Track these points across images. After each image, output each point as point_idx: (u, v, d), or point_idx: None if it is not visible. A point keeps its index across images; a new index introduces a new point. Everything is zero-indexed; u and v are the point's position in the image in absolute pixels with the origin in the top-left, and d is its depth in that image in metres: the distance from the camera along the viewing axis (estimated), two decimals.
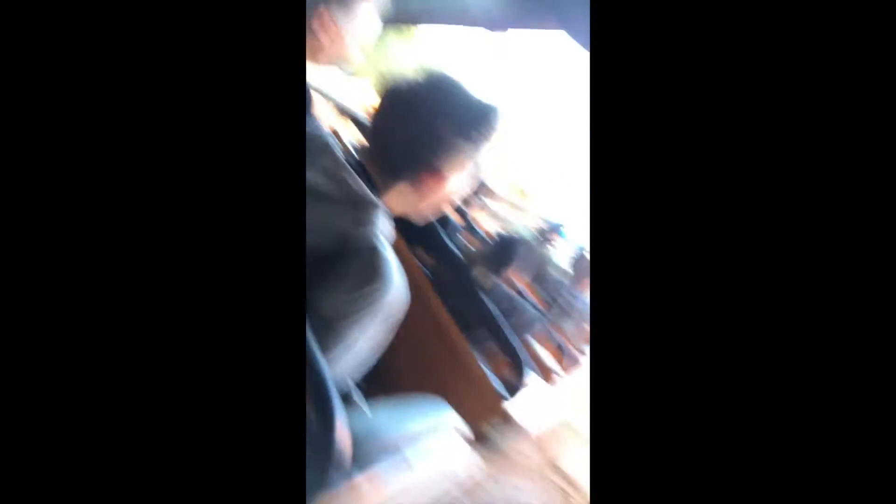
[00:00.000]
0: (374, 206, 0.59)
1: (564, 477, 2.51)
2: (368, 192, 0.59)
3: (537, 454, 2.54)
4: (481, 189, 1.87)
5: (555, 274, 2.14)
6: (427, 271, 1.25)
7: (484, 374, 1.03)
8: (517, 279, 1.54)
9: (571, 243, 2.63)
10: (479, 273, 1.39)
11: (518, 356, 1.10)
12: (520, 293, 1.60)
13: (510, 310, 1.38)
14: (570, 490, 2.48)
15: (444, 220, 1.55)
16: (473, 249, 1.60)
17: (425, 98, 0.62)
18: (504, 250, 1.45)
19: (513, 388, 1.03)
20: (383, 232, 0.60)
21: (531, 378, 1.10)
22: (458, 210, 1.72)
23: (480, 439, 1.13)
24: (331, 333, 0.55)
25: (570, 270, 2.16)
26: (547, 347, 1.49)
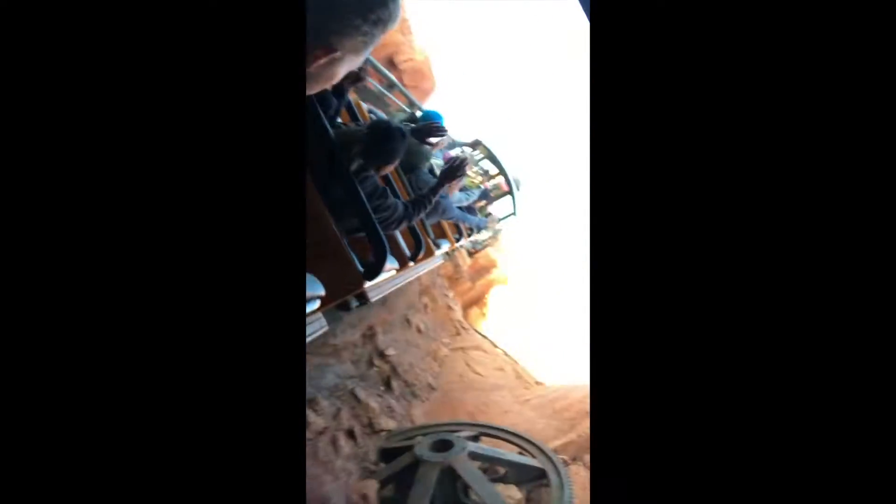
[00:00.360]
0: None
1: (388, 361, 2.84)
2: None
3: (368, 343, 2.81)
4: (364, 69, 1.78)
5: (425, 169, 2.21)
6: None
7: (349, 256, 1.13)
8: (386, 168, 1.58)
9: (452, 140, 2.68)
10: (351, 158, 1.40)
11: (382, 243, 1.21)
12: (388, 182, 1.67)
13: (376, 196, 1.45)
14: (391, 374, 2.82)
15: (322, 98, 1.48)
16: (348, 132, 1.57)
17: None
18: (377, 137, 1.43)
19: (373, 272, 1.15)
20: None
21: (390, 264, 1.23)
22: (337, 88, 1.64)
23: (335, 314, 1.25)
24: None
25: (443, 167, 2.26)
26: (405, 238, 1.62)
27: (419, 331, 3.57)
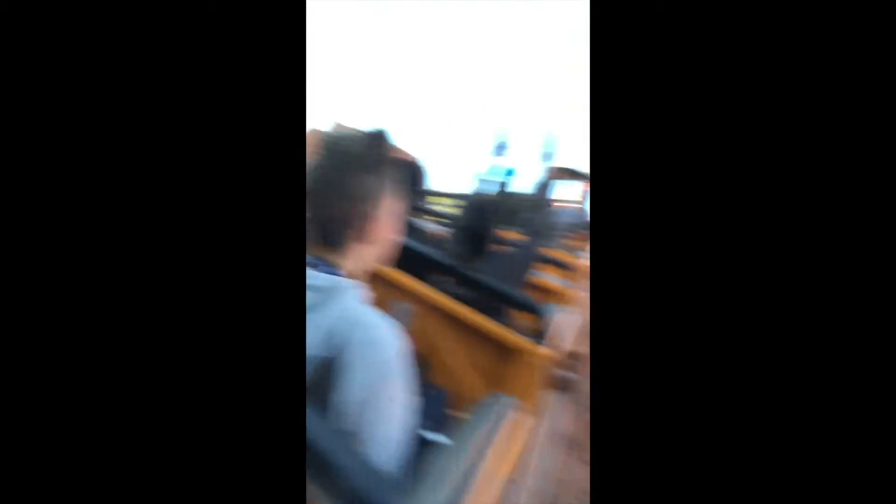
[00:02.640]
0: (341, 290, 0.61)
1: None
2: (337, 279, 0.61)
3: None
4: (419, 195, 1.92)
5: (522, 207, 2.19)
6: (431, 286, 1.28)
7: (517, 343, 1.14)
8: (497, 236, 1.60)
9: (527, 177, 2.65)
10: (458, 256, 1.45)
11: (532, 305, 1.20)
12: (499, 244, 1.69)
13: (502, 266, 1.47)
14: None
15: (410, 230, 1.60)
16: (444, 238, 1.66)
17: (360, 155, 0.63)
18: (467, 220, 1.49)
19: (542, 334, 1.15)
20: (356, 310, 0.60)
21: (552, 313, 1.20)
22: (410, 218, 1.78)
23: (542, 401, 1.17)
24: (360, 420, 0.55)
25: (536, 195, 2.20)
26: (547, 271, 1.58)
27: None
